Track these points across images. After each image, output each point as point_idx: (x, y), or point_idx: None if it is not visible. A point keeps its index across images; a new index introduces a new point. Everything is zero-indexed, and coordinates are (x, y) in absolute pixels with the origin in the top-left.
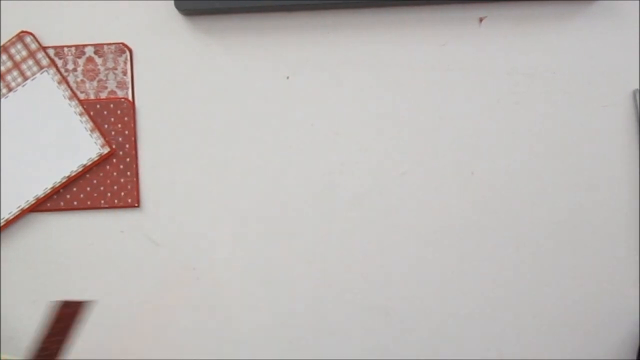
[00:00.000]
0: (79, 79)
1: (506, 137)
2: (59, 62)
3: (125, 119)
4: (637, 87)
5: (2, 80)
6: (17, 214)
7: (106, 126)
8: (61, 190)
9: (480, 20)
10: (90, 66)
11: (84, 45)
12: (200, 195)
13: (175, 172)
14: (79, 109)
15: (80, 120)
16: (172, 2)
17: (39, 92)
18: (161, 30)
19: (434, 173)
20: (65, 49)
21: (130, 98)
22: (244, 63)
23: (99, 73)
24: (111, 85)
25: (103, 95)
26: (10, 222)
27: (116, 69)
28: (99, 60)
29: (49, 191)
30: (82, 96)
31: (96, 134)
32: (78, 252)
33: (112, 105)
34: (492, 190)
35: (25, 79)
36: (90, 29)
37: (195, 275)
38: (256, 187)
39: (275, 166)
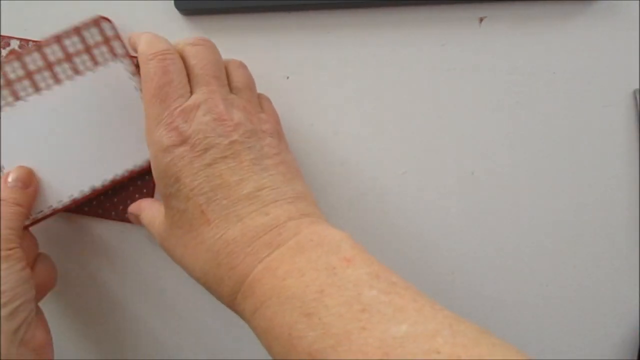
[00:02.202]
0: None
1: (506, 137)
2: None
3: None
4: (637, 87)
5: (69, 62)
6: (47, 214)
7: None
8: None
9: (480, 20)
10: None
11: None
12: None
13: None
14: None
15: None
16: (172, 2)
17: (110, 81)
18: (161, 30)
19: (434, 173)
20: None
21: None
22: (244, 63)
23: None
24: None
25: None
26: (36, 222)
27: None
28: None
29: (107, 183)
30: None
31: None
32: (78, 253)
33: None
34: (492, 190)
35: (96, 64)
36: None
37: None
38: None
39: None
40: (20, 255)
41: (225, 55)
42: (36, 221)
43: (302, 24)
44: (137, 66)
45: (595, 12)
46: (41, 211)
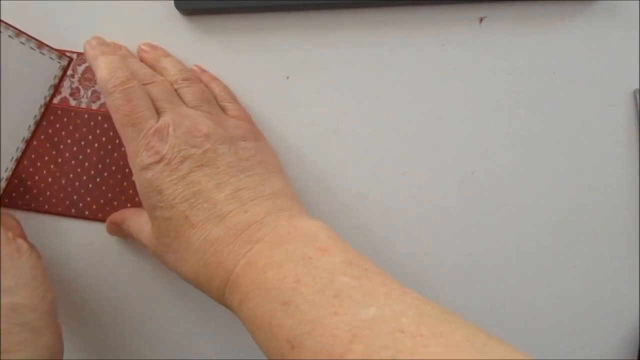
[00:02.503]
0: (74, 86)
1: (506, 137)
2: None
3: None
4: (637, 87)
5: None
6: (13, 167)
7: (105, 128)
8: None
9: (480, 20)
10: (88, 75)
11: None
12: None
13: None
14: (11, 30)
15: (21, 42)
16: (172, 2)
17: None
18: (161, 30)
19: (434, 173)
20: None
21: None
22: (244, 63)
23: (95, 84)
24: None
25: (95, 106)
26: (14, 175)
27: None
28: None
29: (32, 127)
30: (74, 103)
31: (46, 49)
32: (78, 253)
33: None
34: (492, 190)
35: None
36: (88, 29)
37: None
38: None
39: None
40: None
41: (225, 55)
42: (9, 181)
43: (302, 24)
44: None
45: (595, 12)
46: (7, 168)
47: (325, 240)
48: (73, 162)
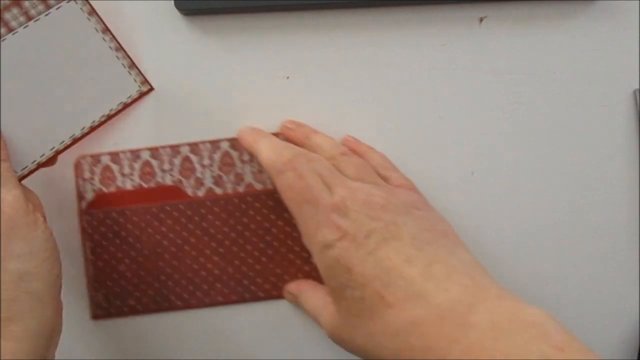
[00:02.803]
0: (215, 174)
1: (506, 137)
2: None
3: None
4: (637, 87)
5: (20, 7)
6: (50, 156)
7: (257, 207)
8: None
9: (480, 20)
10: (226, 160)
11: None
12: None
13: None
14: (114, 43)
15: (117, 56)
16: (172, 2)
17: (67, 24)
18: (161, 30)
19: (434, 173)
20: None
21: None
22: (244, 63)
23: (236, 166)
24: None
25: (240, 189)
26: (43, 165)
27: None
28: None
29: (86, 130)
30: (219, 191)
31: (135, 71)
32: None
33: None
34: (492, 190)
35: (49, 7)
36: None
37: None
38: None
39: None
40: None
41: (225, 55)
42: (22, 178)
43: (302, 24)
44: (92, 6)
45: (595, 12)
46: (26, 167)
47: (559, 336)
48: (235, 248)
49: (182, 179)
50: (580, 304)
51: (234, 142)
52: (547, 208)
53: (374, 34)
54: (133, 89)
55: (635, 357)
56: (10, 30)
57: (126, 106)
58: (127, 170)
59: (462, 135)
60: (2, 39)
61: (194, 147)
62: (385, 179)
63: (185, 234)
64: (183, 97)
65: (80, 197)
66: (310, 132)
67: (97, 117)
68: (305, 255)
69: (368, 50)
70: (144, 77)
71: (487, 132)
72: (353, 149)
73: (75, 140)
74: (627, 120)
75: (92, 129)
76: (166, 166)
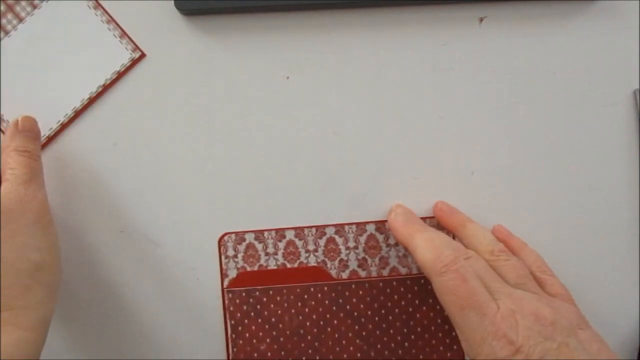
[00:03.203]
0: (360, 257)
1: (506, 137)
2: None
3: None
4: (637, 87)
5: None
6: (57, 129)
7: (402, 292)
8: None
9: (480, 20)
10: (371, 243)
11: None
12: (198, 195)
13: (173, 171)
14: (105, 17)
15: (108, 28)
16: (172, 2)
17: (63, 6)
18: (161, 30)
19: (434, 173)
20: None
21: None
22: (244, 63)
23: (381, 250)
24: None
25: (385, 272)
26: (52, 139)
27: None
28: None
29: (86, 102)
30: (363, 274)
31: (125, 40)
32: (77, 252)
33: None
34: (492, 190)
35: None
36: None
37: (196, 276)
38: (256, 187)
39: (275, 166)
40: None
41: (225, 55)
42: (50, 139)
43: (302, 24)
44: None
45: (595, 12)
46: (51, 128)
47: None
48: (378, 332)
49: (327, 260)
50: (580, 304)
51: (380, 225)
52: (547, 208)
53: (374, 34)
54: (125, 57)
55: (635, 357)
56: (21, 20)
57: (120, 75)
58: (271, 249)
59: (462, 135)
60: (14, 28)
61: (339, 228)
62: (540, 282)
63: (329, 316)
64: (182, 96)
65: (224, 274)
66: (466, 220)
67: (93, 88)
68: (448, 342)
69: (368, 50)
70: (135, 44)
71: (487, 132)
72: (506, 242)
73: (76, 112)
74: (627, 120)
75: (91, 100)
76: (311, 246)
